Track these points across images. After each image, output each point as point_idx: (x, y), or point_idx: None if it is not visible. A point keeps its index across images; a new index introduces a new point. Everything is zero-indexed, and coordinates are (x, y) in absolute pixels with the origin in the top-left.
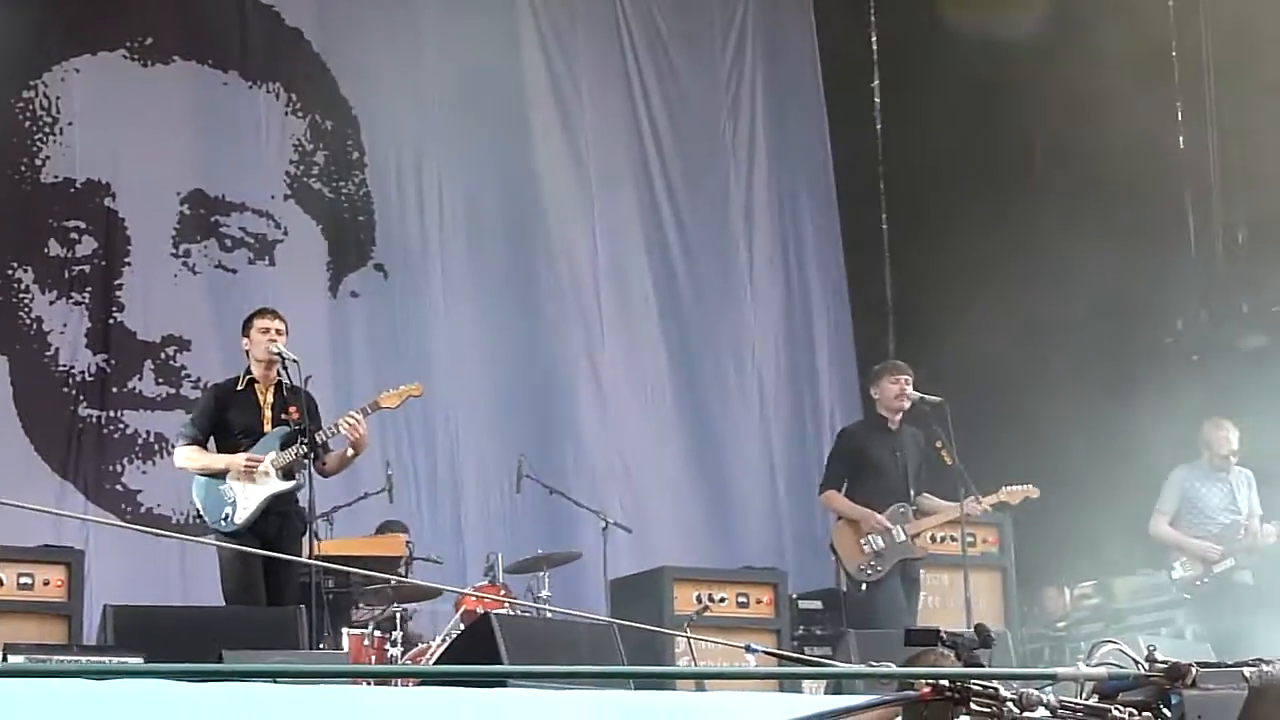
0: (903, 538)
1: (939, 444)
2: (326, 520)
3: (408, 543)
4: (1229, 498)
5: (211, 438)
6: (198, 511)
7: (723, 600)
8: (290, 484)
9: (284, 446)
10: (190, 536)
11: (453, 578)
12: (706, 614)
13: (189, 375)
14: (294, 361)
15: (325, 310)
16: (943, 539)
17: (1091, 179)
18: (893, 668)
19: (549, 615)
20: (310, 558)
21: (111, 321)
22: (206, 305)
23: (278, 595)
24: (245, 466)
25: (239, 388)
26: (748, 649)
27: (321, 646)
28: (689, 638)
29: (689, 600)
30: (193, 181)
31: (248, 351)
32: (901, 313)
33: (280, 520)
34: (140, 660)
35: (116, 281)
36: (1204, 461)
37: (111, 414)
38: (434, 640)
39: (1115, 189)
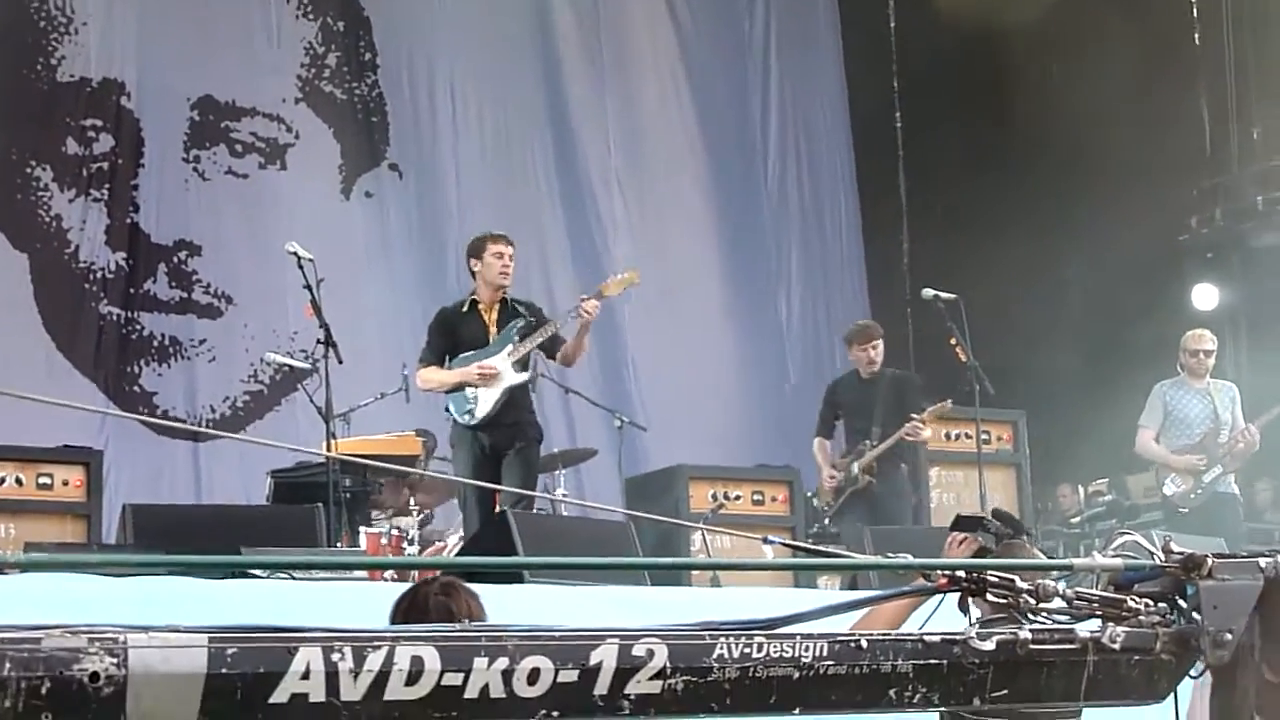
0: (854, 472)
1: (953, 340)
2: (344, 420)
3: (424, 443)
4: (1210, 409)
5: (446, 356)
6: (446, 410)
7: (738, 498)
8: (524, 376)
9: (522, 339)
10: (212, 432)
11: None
12: (722, 511)
13: (200, 280)
14: (309, 261)
15: (338, 212)
16: (957, 436)
17: (1107, 77)
18: (908, 559)
19: (565, 512)
20: (328, 454)
21: (128, 221)
22: (218, 211)
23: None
24: (479, 374)
25: (464, 309)
26: (765, 540)
27: (339, 544)
28: (704, 529)
29: (704, 498)
30: (203, 87)
31: (475, 272)
32: (915, 213)
33: (513, 430)
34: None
35: (133, 181)
36: (1184, 375)
37: (129, 314)
38: (451, 539)
39: (1130, 86)
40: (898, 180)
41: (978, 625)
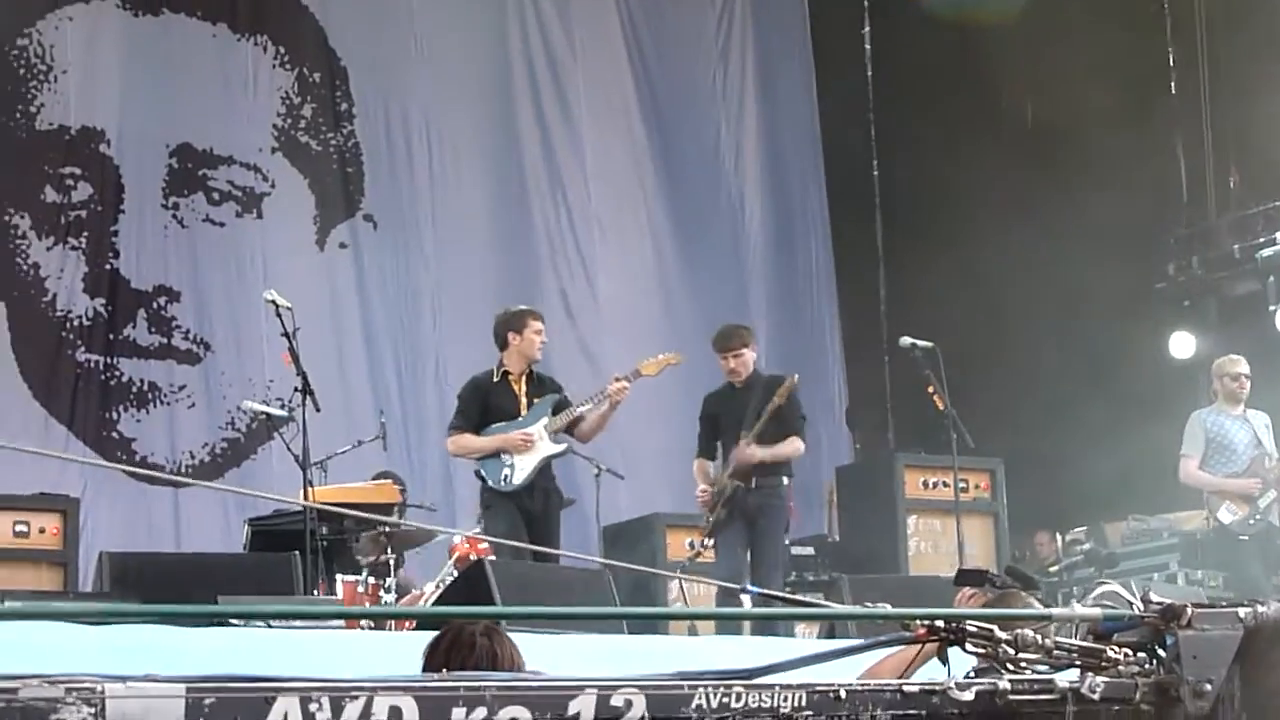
0: (723, 484)
1: (930, 389)
2: (321, 468)
3: (401, 491)
4: (1251, 435)
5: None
6: (479, 474)
7: (713, 545)
8: (561, 446)
9: (555, 413)
10: (191, 481)
11: (445, 525)
12: (698, 559)
13: (179, 326)
14: (287, 309)
15: (313, 262)
16: (935, 485)
17: (1084, 123)
18: (887, 608)
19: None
20: (307, 503)
21: (107, 267)
22: (195, 258)
23: (541, 556)
24: (521, 442)
25: (495, 379)
26: (743, 590)
27: (316, 593)
28: (681, 579)
29: (681, 546)
30: (181, 134)
31: (508, 344)
32: (891, 260)
33: (544, 496)
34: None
35: (112, 228)
36: (1220, 401)
37: (108, 360)
38: (427, 586)
39: (1108, 134)
40: (874, 227)
41: (970, 674)
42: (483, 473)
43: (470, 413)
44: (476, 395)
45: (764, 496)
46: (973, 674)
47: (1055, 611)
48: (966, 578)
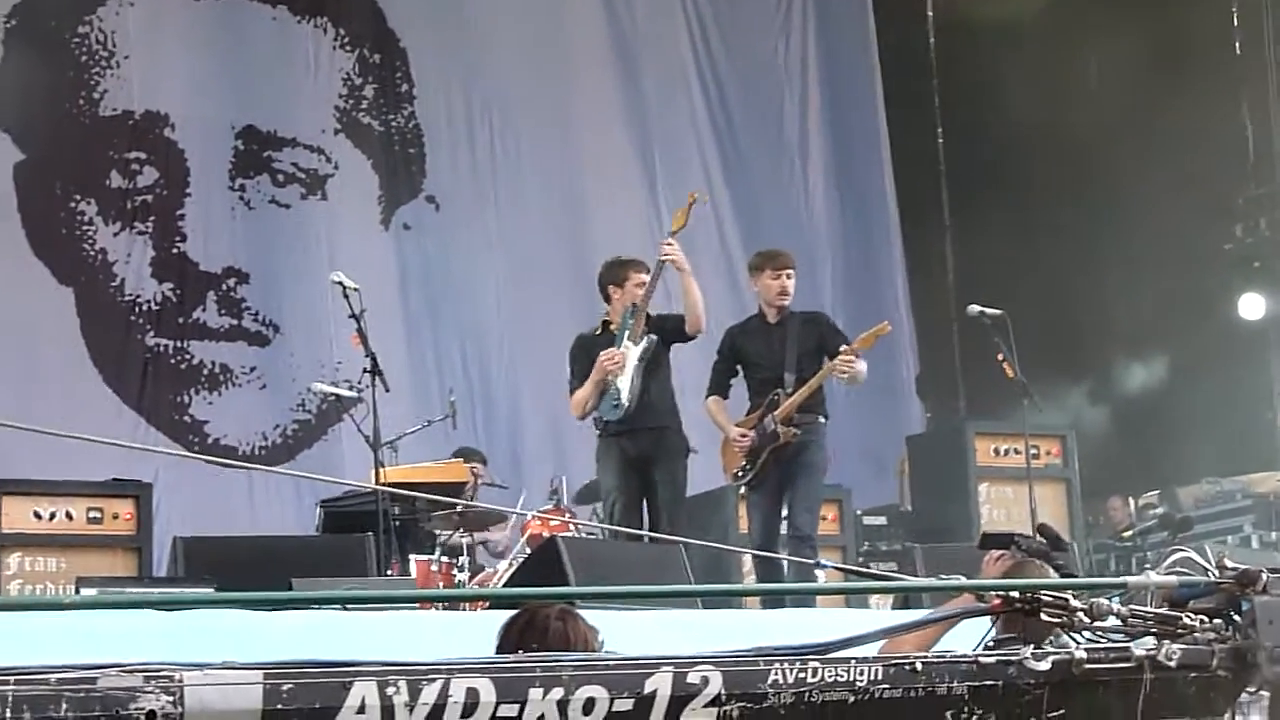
0: (771, 427)
1: (1000, 357)
2: (391, 448)
3: (472, 469)
4: None
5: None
6: (598, 421)
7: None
8: (644, 343)
9: (633, 316)
10: (259, 466)
11: (514, 504)
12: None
13: (249, 308)
14: (355, 290)
15: (379, 243)
16: (1006, 452)
17: (1150, 86)
18: (962, 580)
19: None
20: (377, 484)
21: (175, 251)
22: (262, 240)
23: (654, 498)
24: (608, 366)
25: (598, 333)
26: (817, 565)
27: (389, 573)
28: (755, 555)
29: None
30: (245, 117)
31: (610, 298)
32: (959, 225)
33: (655, 438)
34: (210, 591)
35: (178, 211)
36: None
37: (179, 344)
38: (500, 565)
39: (1174, 96)
40: (940, 195)
41: (989, 644)
42: (601, 414)
43: (580, 370)
44: (583, 352)
45: (813, 442)
46: (991, 643)
47: (1131, 580)
48: (992, 540)
